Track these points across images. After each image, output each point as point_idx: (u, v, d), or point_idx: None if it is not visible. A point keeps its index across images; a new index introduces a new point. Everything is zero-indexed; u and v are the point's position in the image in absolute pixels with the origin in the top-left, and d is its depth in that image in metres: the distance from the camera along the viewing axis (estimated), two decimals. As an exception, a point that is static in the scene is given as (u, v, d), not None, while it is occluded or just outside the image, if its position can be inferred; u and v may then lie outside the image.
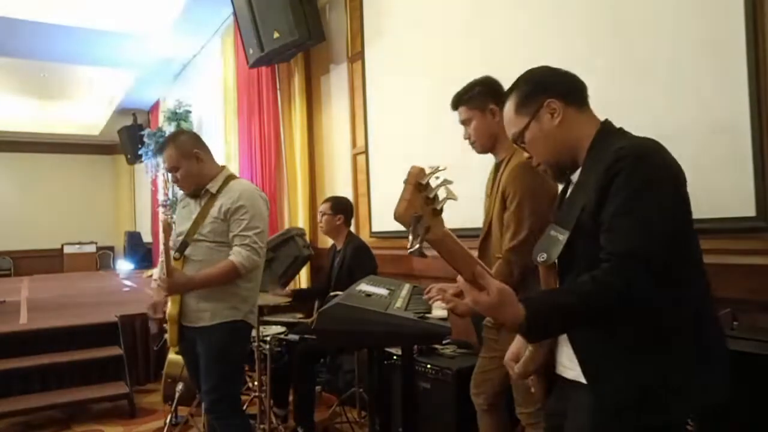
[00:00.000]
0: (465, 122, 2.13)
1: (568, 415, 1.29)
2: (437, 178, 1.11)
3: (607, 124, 1.31)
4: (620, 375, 1.17)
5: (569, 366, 1.27)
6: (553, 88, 1.31)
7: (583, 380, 1.22)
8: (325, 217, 3.62)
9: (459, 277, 1.14)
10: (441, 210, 1.11)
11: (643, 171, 1.14)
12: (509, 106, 1.37)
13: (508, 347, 1.98)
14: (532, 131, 1.32)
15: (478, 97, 2.09)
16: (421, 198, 1.08)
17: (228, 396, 2.47)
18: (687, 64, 2.21)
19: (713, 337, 1.23)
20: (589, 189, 1.20)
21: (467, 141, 2.17)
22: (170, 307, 2.48)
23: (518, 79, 1.38)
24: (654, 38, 2.33)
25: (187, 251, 2.46)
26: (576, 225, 1.21)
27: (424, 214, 1.09)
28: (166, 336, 2.56)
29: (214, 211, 2.45)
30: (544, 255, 1.26)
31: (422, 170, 1.08)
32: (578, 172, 1.32)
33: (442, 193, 1.11)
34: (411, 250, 1.10)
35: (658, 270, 1.09)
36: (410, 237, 1.10)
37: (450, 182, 1.11)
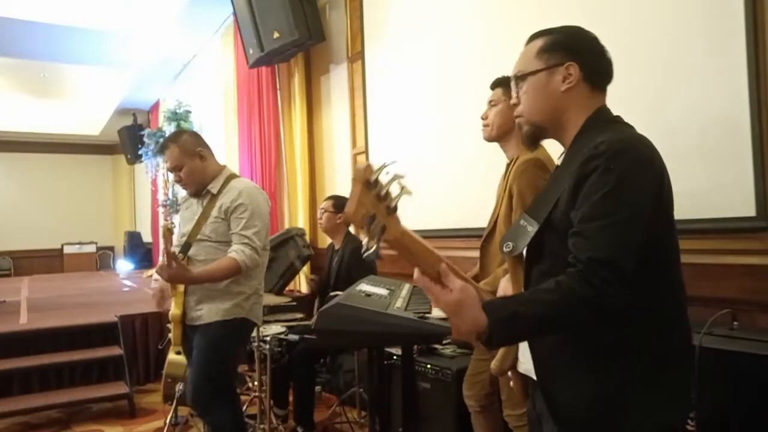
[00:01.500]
0: (492, 103, 2.11)
1: (542, 418, 1.24)
2: (387, 173, 1.00)
3: (600, 112, 1.22)
4: (579, 380, 1.10)
5: (531, 367, 1.22)
6: (583, 56, 1.21)
7: None
8: (326, 214, 3.62)
9: (416, 271, 1.06)
10: (395, 208, 1.02)
11: (618, 170, 1.05)
12: (535, 44, 1.27)
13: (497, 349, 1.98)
14: (537, 80, 1.23)
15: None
16: (372, 196, 0.97)
17: (210, 390, 2.44)
18: (686, 63, 2.21)
19: (677, 349, 1.14)
20: (564, 182, 1.14)
21: (482, 120, 2.14)
22: (173, 308, 2.48)
23: (562, 27, 1.29)
24: (653, 36, 2.33)
25: (191, 252, 2.47)
26: (547, 219, 1.15)
27: (377, 213, 0.98)
28: (170, 336, 2.57)
29: (214, 211, 2.46)
30: (510, 245, 1.20)
31: (369, 166, 0.98)
32: (562, 158, 1.25)
33: (395, 190, 1.01)
34: (367, 252, 1.00)
35: (628, 278, 1.01)
36: (365, 239, 1.00)
37: (401, 176, 1.01)
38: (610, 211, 1.04)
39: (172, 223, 2.47)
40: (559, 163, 1.26)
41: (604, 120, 1.21)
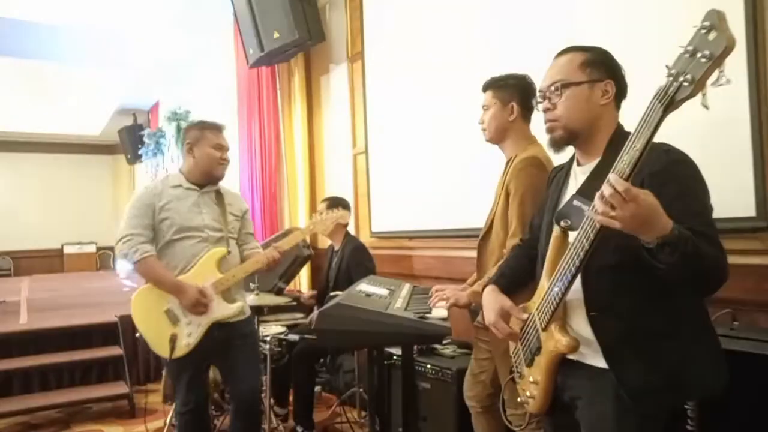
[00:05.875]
0: (484, 107, 2.12)
1: (581, 403, 1.32)
2: None
3: (620, 125, 1.39)
4: (644, 360, 1.22)
5: (586, 352, 1.30)
6: (618, 78, 1.38)
7: (603, 365, 1.26)
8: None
9: (612, 178, 1.06)
10: None
11: (699, 173, 1.27)
12: (574, 56, 1.39)
13: (498, 348, 1.98)
14: (580, 92, 1.36)
15: (506, 90, 2.08)
16: None
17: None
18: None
19: (711, 330, 1.31)
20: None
21: (480, 125, 2.15)
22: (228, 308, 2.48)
23: (596, 47, 1.42)
24: (652, 37, 2.33)
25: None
26: None
27: None
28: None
29: (233, 209, 2.60)
30: (568, 221, 1.27)
31: None
32: (592, 164, 1.37)
33: None
34: None
35: None
36: None
37: None
38: (707, 209, 1.25)
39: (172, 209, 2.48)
40: (578, 172, 1.42)
41: (624, 134, 1.33)
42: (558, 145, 1.42)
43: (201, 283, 2.39)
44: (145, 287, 2.45)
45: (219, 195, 2.58)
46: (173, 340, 2.36)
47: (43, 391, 4.05)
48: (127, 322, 4.57)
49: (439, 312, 1.92)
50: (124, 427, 3.78)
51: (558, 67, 1.41)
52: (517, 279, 1.59)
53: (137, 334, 2.65)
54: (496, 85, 2.11)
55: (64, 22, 6.42)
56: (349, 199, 4.27)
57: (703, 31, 0.97)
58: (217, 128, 2.57)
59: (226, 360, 2.53)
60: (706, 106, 1.00)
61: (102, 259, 13.24)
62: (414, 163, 3.76)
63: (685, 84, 0.98)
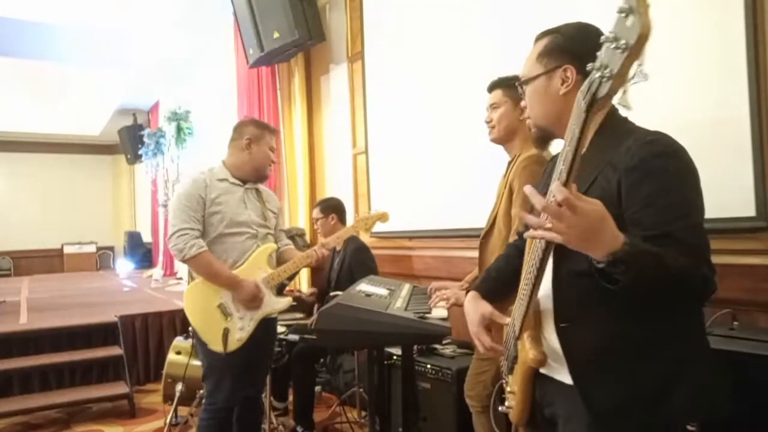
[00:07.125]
0: (493, 106, 2.11)
1: (560, 420, 1.22)
2: None
3: (615, 110, 1.22)
4: (617, 378, 1.09)
5: (557, 366, 1.18)
6: (581, 57, 1.12)
7: (571, 382, 1.14)
8: (319, 221, 3.63)
9: (557, 187, 0.91)
10: None
11: (688, 167, 1.12)
12: (537, 47, 1.31)
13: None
14: (538, 85, 1.28)
15: (518, 89, 2.07)
16: None
17: None
18: (686, 63, 2.21)
19: (702, 348, 1.16)
20: (603, 168, 1.12)
21: (487, 124, 2.13)
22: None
23: (564, 26, 1.31)
24: (652, 36, 2.32)
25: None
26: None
27: None
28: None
29: (270, 206, 2.63)
30: None
31: None
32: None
33: None
34: None
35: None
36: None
37: None
38: (696, 210, 1.13)
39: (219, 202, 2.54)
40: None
41: (620, 118, 1.22)
42: (537, 143, 1.37)
43: (253, 278, 2.41)
44: (197, 282, 2.44)
45: (258, 192, 2.61)
46: (226, 334, 2.34)
47: (43, 391, 4.04)
48: (127, 322, 4.58)
49: (439, 312, 1.92)
50: (124, 427, 3.78)
51: (525, 62, 1.34)
52: (505, 280, 1.44)
53: (189, 328, 2.64)
54: (507, 83, 2.09)
55: (65, 22, 6.41)
56: (349, 199, 4.28)
57: (623, 14, 0.80)
58: (274, 132, 2.64)
59: (249, 357, 2.44)
60: (626, 106, 0.84)
61: (102, 259, 13.23)
62: (414, 164, 3.76)
63: (605, 79, 0.83)
